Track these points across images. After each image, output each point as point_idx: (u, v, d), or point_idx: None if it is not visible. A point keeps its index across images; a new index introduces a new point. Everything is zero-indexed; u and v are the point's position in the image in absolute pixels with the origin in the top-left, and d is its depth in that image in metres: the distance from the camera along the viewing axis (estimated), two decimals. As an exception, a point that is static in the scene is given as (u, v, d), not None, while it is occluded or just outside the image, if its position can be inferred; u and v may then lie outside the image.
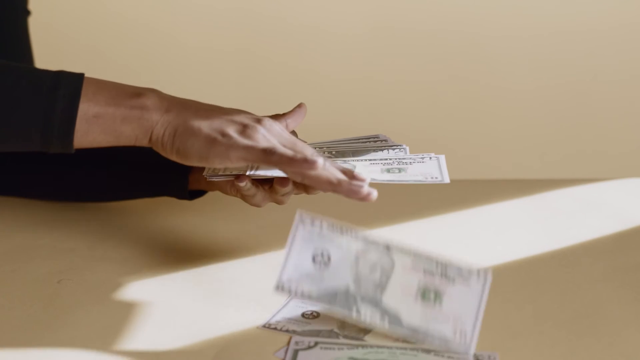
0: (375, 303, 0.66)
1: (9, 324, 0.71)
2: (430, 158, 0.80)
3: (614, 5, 1.88)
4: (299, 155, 0.71)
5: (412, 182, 0.77)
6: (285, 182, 0.79)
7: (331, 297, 0.66)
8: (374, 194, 0.71)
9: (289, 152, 0.72)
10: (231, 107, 0.78)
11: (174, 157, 0.75)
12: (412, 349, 0.66)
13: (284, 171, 0.74)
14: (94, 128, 0.74)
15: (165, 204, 0.98)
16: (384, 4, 1.89)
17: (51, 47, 1.61)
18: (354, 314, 0.66)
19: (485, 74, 1.92)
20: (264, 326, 0.71)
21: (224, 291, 0.78)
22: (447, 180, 0.77)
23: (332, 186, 0.72)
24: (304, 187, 0.80)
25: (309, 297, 0.66)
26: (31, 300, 0.76)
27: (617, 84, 1.91)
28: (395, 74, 1.91)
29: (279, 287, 0.67)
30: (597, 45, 1.90)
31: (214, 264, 0.84)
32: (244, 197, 0.82)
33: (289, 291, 0.66)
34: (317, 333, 0.69)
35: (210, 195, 0.94)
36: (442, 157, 0.80)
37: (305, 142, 0.80)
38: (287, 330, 0.70)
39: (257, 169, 0.77)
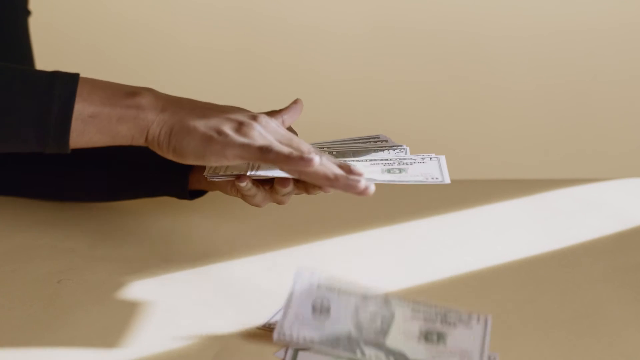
0: (379, 346, 0.66)
1: (9, 324, 0.71)
2: (430, 158, 0.80)
3: (614, 5, 1.88)
4: (295, 153, 0.71)
5: (413, 183, 0.77)
6: (286, 182, 0.79)
7: (334, 341, 0.66)
8: (372, 187, 0.71)
9: (285, 150, 0.71)
10: (227, 105, 0.78)
11: (170, 156, 0.75)
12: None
13: (281, 168, 0.74)
14: (89, 128, 0.74)
15: (165, 204, 0.98)
16: (384, 4, 1.89)
17: (51, 47, 1.61)
18: (359, 356, 0.66)
19: (485, 74, 1.92)
20: (264, 326, 0.71)
21: (224, 291, 0.78)
22: (447, 180, 0.77)
23: (330, 181, 0.72)
24: (305, 187, 0.80)
25: (311, 342, 0.66)
26: (31, 300, 0.75)
27: (617, 84, 1.91)
28: (395, 74, 1.91)
29: (280, 335, 0.66)
30: (597, 45, 1.90)
31: (214, 264, 0.84)
32: (244, 197, 0.82)
33: (290, 338, 0.66)
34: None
35: (210, 195, 0.94)
36: (443, 158, 0.80)
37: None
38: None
39: (257, 169, 0.77)
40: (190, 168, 0.89)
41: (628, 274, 0.83)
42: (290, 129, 0.82)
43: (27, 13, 1.05)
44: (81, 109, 0.73)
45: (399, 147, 0.82)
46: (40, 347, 0.68)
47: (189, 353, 0.68)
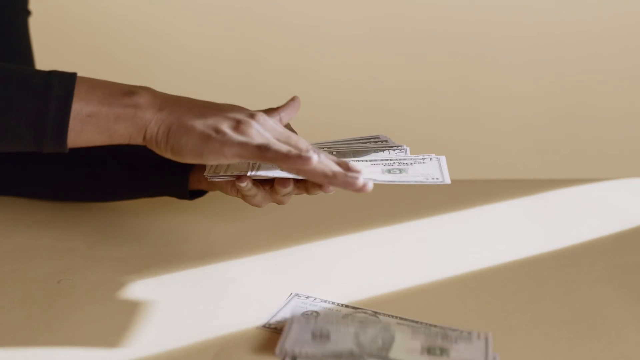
0: (383, 358, 0.66)
1: (9, 324, 0.71)
2: (431, 159, 0.80)
3: (614, 5, 1.88)
4: (293, 151, 0.71)
5: (413, 183, 0.77)
6: (286, 182, 0.79)
7: (336, 356, 0.66)
8: (370, 184, 0.71)
9: (283, 148, 0.71)
10: (225, 103, 0.78)
11: (168, 155, 0.75)
12: None
13: (280, 166, 0.74)
14: (87, 127, 0.74)
15: (165, 204, 0.98)
16: (384, 4, 1.89)
17: (51, 47, 1.61)
18: None
19: (485, 74, 1.92)
20: (264, 326, 0.71)
21: (224, 291, 0.78)
22: (447, 181, 0.77)
23: (328, 179, 0.72)
24: (305, 187, 0.80)
25: (313, 357, 0.66)
26: (31, 300, 0.76)
27: (617, 84, 1.91)
28: (395, 74, 1.92)
29: (282, 352, 0.66)
30: (597, 45, 1.90)
31: (214, 264, 0.84)
32: (244, 198, 0.82)
33: (293, 355, 0.66)
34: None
35: (210, 195, 0.94)
36: (443, 158, 0.80)
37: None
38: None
39: (258, 169, 0.77)
40: (190, 168, 0.89)
41: (628, 274, 0.83)
42: (289, 128, 0.82)
43: (27, 13, 1.06)
44: (79, 108, 0.73)
45: (399, 148, 0.82)
46: (40, 347, 0.68)
47: (189, 353, 0.68)
